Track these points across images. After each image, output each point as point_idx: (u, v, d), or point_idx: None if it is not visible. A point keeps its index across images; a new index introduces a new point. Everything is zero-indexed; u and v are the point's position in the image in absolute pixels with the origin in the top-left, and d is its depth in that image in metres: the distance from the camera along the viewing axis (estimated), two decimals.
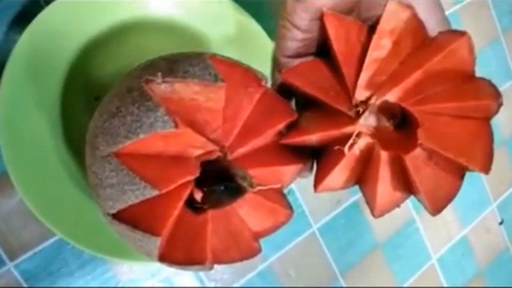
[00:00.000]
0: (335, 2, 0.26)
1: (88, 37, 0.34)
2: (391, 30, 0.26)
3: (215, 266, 0.28)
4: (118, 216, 0.25)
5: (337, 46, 0.27)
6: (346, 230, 0.45)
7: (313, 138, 0.29)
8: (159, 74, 0.25)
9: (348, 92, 0.28)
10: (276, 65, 0.31)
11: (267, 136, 0.29)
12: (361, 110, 0.27)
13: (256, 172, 0.29)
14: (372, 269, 0.47)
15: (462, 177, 0.28)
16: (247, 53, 0.36)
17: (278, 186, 0.29)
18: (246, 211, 0.30)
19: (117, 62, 0.36)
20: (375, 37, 0.26)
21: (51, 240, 0.34)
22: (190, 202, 0.28)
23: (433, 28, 0.27)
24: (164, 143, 0.25)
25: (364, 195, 0.30)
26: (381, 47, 0.27)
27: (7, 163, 0.30)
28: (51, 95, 0.32)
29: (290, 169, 0.31)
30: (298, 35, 0.28)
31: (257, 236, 0.31)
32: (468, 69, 0.27)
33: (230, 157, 0.28)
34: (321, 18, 0.27)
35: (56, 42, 0.32)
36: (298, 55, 0.29)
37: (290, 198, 0.38)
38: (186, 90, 0.25)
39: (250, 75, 0.27)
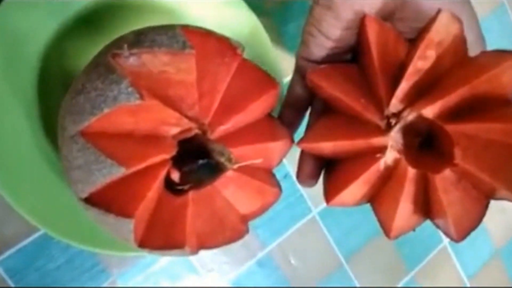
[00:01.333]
0: (377, 6, 0.25)
1: (62, 21, 0.32)
2: (438, 42, 0.25)
3: (214, 255, 0.26)
4: (90, 200, 0.24)
5: (376, 52, 0.25)
6: (349, 213, 0.43)
7: (330, 145, 0.27)
8: (125, 46, 0.23)
9: (380, 102, 0.26)
10: (298, 68, 0.29)
11: (250, 111, 0.27)
12: (393, 122, 0.26)
13: (241, 151, 0.27)
14: (378, 253, 0.45)
15: (487, 205, 0.26)
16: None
17: (258, 161, 0.27)
18: (232, 192, 0.28)
19: (97, 47, 0.34)
20: (422, 46, 0.24)
21: (36, 235, 0.33)
22: (171, 185, 0.26)
23: (469, 44, 0.26)
24: (133, 119, 0.24)
25: (378, 214, 0.29)
26: (426, 57, 0.25)
27: None
28: (26, 84, 0.31)
29: (277, 145, 0.29)
30: (326, 43, 0.27)
31: (245, 218, 0.29)
32: (509, 93, 0.25)
33: (211, 136, 0.26)
34: (361, 22, 0.25)
35: (27, 26, 0.30)
36: (323, 62, 0.28)
37: (287, 183, 0.37)
38: (154, 61, 0.24)
39: (224, 43, 0.26)
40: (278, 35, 0.38)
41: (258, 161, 0.26)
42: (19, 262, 0.33)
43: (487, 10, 0.50)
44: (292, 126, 0.31)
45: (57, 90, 0.32)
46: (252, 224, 0.30)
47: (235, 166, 0.25)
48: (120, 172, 0.22)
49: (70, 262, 0.34)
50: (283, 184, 0.30)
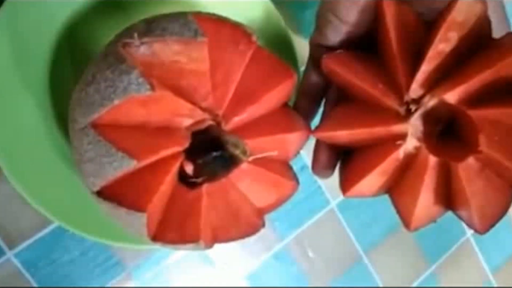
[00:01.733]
0: None
1: (72, 11, 0.31)
2: (461, 23, 0.23)
3: (230, 247, 0.25)
4: (102, 193, 0.23)
5: (394, 35, 0.24)
6: (368, 205, 0.42)
7: (346, 134, 0.26)
8: (135, 34, 0.22)
9: (399, 87, 0.25)
10: (312, 55, 0.28)
11: (265, 102, 0.26)
12: (413, 108, 0.25)
13: (256, 142, 0.26)
14: (398, 246, 0.44)
15: None
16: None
17: (274, 153, 0.26)
18: (247, 185, 0.27)
19: (109, 36, 0.33)
20: (443, 27, 0.23)
21: (51, 227, 0.33)
22: (185, 178, 0.26)
23: (493, 25, 0.24)
24: (145, 111, 0.23)
25: (397, 205, 0.28)
26: (447, 39, 0.23)
27: None
28: (38, 74, 0.30)
29: (293, 137, 0.28)
30: (342, 28, 0.26)
31: (261, 211, 0.28)
32: None
33: (225, 127, 0.25)
34: (378, 4, 0.24)
35: (39, 16, 0.30)
36: (339, 48, 0.26)
37: (304, 175, 0.36)
38: (166, 50, 0.23)
39: (239, 30, 0.25)
40: (295, 23, 0.37)
41: (273, 154, 0.26)
42: (34, 254, 0.32)
43: None
44: (308, 116, 0.30)
45: (69, 81, 0.32)
46: (269, 216, 0.29)
47: (250, 159, 0.24)
48: (131, 165, 0.21)
49: (85, 254, 0.34)
50: (300, 176, 0.29)
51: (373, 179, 0.27)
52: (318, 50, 0.27)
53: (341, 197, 0.41)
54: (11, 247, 0.32)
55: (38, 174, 0.29)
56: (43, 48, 0.31)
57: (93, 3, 0.32)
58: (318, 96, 0.29)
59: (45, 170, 0.30)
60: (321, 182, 0.40)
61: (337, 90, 0.28)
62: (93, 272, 0.34)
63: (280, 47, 0.34)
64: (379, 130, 0.25)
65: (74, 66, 0.32)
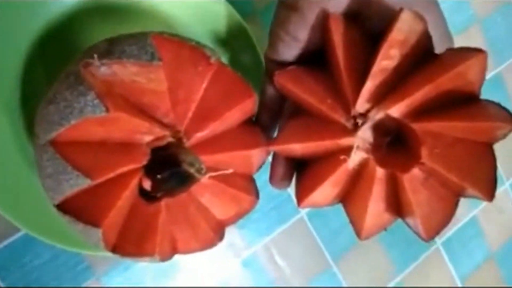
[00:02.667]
0: (343, 6, 0.25)
1: (44, 23, 0.32)
2: (402, 41, 0.24)
3: (199, 254, 0.26)
4: (61, 207, 0.24)
5: (341, 52, 0.25)
6: (338, 213, 0.43)
7: (300, 147, 0.27)
8: (95, 56, 0.23)
9: (346, 102, 0.25)
10: (267, 70, 0.29)
11: (226, 119, 0.27)
12: (360, 122, 0.26)
13: (217, 158, 0.27)
14: (367, 255, 0.45)
15: (457, 203, 0.26)
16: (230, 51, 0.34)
17: (229, 171, 0.27)
18: (208, 199, 0.28)
19: (85, 45, 0.34)
20: (385, 46, 0.24)
21: (22, 232, 0.34)
22: (145, 192, 0.27)
23: (435, 42, 0.25)
24: (103, 129, 0.24)
25: (349, 214, 0.29)
26: (390, 57, 0.24)
27: None
28: (9, 86, 0.31)
29: (255, 152, 0.29)
30: (293, 44, 0.26)
31: (221, 224, 0.29)
32: (475, 90, 0.25)
33: (187, 143, 0.26)
34: (325, 21, 0.25)
35: (7, 28, 0.30)
36: (291, 63, 0.27)
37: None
38: (124, 71, 0.24)
39: (198, 52, 0.25)
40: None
41: (228, 172, 0.26)
42: (4, 258, 0.33)
43: (491, 9, 0.49)
44: (269, 129, 0.30)
45: (42, 93, 0.33)
46: (238, 224, 0.30)
47: (205, 177, 0.25)
48: (85, 183, 0.22)
49: (55, 259, 0.34)
50: (270, 186, 0.30)
51: (326, 190, 0.28)
52: (272, 65, 0.28)
53: None
54: None
55: (5, 182, 0.30)
56: (13, 58, 0.31)
57: (65, 17, 0.33)
58: (277, 109, 0.30)
59: (13, 179, 0.31)
60: (290, 191, 0.41)
61: (292, 104, 0.29)
62: (64, 277, 0.35)
63: (248, 59, 0.35)
64: (328, 143, 0.26)
65: (48, 77, 0.33)
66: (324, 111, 0.26)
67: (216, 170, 0.27)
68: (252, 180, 0.30)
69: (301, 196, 0.28)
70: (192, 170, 0.25)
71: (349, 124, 0.26)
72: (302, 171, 0.29)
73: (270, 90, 0.29)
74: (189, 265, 0.38)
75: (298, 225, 0.42)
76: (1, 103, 0.31)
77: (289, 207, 0.41)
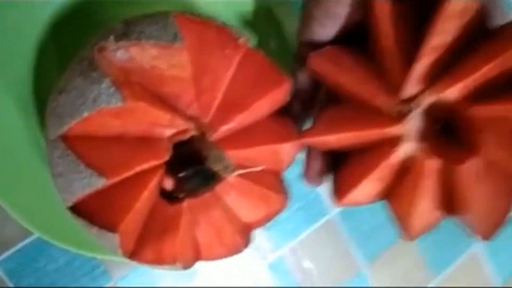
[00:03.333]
0: None
1: (57, 10, 0.30)
2: (457, 14, 0.21)
3: None
4: (75, 209, 0.22)
5: (387, 27, 0.22)
6: (370, 214, 0.40)
7: (338, 138, 0.24)
8: (111, 37, 0.21)
9: (393, 85, 0.22)
10: (299, 54, 0.26)
11: (255, 109, 0.25)
12: (408, 108, 0.22)
13: (245, 153, 0.24)
14: (401, 258, 0.42)
15: None
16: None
17: (258, 168, 0.24)
18: (234, 199, 0.25)
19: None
20: (440, 18, 0.20)
21: (35, 235, 0.31)
22: (166, 192, 0.24)
23: (492, 16, 0.22)
24: (120, 122, 0.21)
25: (395, 212, 0.26)
26: (444, 31, 0.21)
27: None
28: (21, 80, 0.29)
29: (286, 147, 0.26)
30: (330, 23, 0.23)
31: (248, 227, 0.26)
32: None
33: (211, 137, 0.24)
34: None
35: (20, 17, 0.28)
36: (326, 45, 0.24)
37: (302, 182, 0.34)
38: (143, 55, 0.21)
39: (225, 33, 0.23)
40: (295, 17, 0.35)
41: (257, 169, 0.24)
42: (18, 263, 0.31)
43: None
44: (301, 121, 0.28)
45: (55, 81, 0.30)
46: (264, 225, 0.27)
47: (233, 175, 0.22)
48: (100, 183, 0.20)
49: (70, 263, 0.32)
50: (297, 184, 0.27)
51: (368, 186, 0.25)
52: (304, 48, 0.25)
53: None
54: None
55: (16, 181, 0.28)
56: (26, 49, 0.29)
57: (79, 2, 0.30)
58: (309, 98, 0.27)
59: (27, 179, 0.28)
60: (320, 189, 0.38)
61: (327, 91, 0.26)
62: (80, 282, 0.33)
63: (277, 42, 0.32)
64: (371, 134, 0.23)
65: (62, 66, 0.30)
66: (366, 97, 0.23)
67: (243, 167, 0.24)
68: (281, 178, 0.27)
69: (340, 193, 0.25)
70: (218, 168, 0.22)
71: (395, 111, 0.23)
72: (339, 166, 0.26)
73: (302, 77, 0.27)
74: (211, 268, 0.36)
75: (327, 226, 0.39)
76: (13, 96, 0.28)
77: (318, 207, 0.38)
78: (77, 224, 0.23)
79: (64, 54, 0.31)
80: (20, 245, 0.31)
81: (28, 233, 0.31)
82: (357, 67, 0.24)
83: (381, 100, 0.23)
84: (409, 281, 0.42)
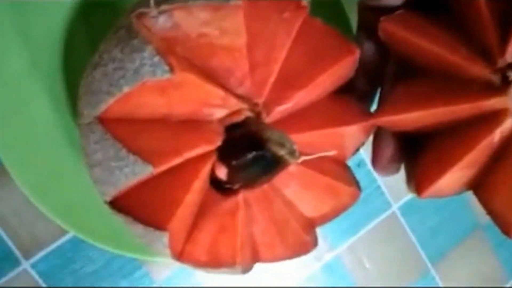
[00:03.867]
0: None
1: None
2: None
3: None
4: (115, 204, 0.18)
5: None
6: (436, 209, 0.36)
7: (418, 117, 0.20)
8: (152, 1, 0.17)
9: (489, 51, 0.18)
10: (363, 21, 0.23)
11: (317, 85, 0.21)
12: (511, 76, 0.18)
13: (304, 138, 0.21)
14: (472, 255, 0.37)
15: None
16: None
17: (332, 153, 0.20)
18: (295, 191, 0.22)
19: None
20: None
21: (71, 234, 0.29)
22: (217, 183, 0.21)
23: None
24: (164, 100, 0.18)
25: (489, 205, 0.21)
26: None
27: (0, 151, 0.24)
28: (49, 54, 0.26)
29: (352, 130, 0.22)
30: None
31: (312, 223, 0.23)
32: None
33: (266, 118, 0.20)
34: None
35: None
36: (396, 9, 0.21)
37: (360, 172, 0.30)
38: (190, 20, 0.17)
39: None
40: None
41: (331, 153, 0.20)
42: (53, 264, 0.29)
43: None
44: (367, 98, 0.24)
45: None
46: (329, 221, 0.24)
47: (300, 161, 0.19)
48: (146, 171, 0.17)
49: (109, 265, 0.30)
50: (355, 174, 0.23)
51: (457, 174, 0.20)
52: (370, 14, 0.22)
53: (404, 198, 0.35)
54: (27, 257, 0.28)
55: (47, 174, 0.25)
56: (54, 29, 0.26)
57: None
58: (376, 72, 0.23)
59: (60, 174, 0.26)
60: (380, 181, 0.34)
61: (399, 62, 0.23)
62: (120, 284, 0.30)
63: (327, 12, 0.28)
64: (465, 108, 0.19)
65: (92, 45, 0.28)
66: (456, 64, 0.19)
67: (303, 154, 0.21)
68: (347, 167, 0.23)
69: (422, 183, 0.21)
70: (282, 152, 0.18)
71: (496, 79, 0.18)
72: (418, 150, 0.22)
73: (368, 48, 0.23)
74: (262, 269, 0.32)
75: (389, 222, 0.35)
76: (43, 83, 0.25)
77: (379, 200, 0.34)
78: (117, 221, 0.20)
79: (95, 37, 0.28)
80: (54, 245, 0.29)
81: (62, 232, 0.29)
82: (441, 32, 0.20)
83: (476, 68, 0.19)
84: (483, 282, 0.37)
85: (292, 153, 0.18)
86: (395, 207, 0.35)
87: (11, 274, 0.28)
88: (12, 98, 0.25)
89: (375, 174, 0.34)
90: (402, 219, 0.35)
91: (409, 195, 0.35)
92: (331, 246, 0.34)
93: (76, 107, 0.26)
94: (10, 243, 0.28)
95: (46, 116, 0.26)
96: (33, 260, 0.29)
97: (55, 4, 0.26)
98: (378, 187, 0.34)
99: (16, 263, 0.28)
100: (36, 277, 0.29)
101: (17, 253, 0.28)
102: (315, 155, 0.19)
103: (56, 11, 0.26)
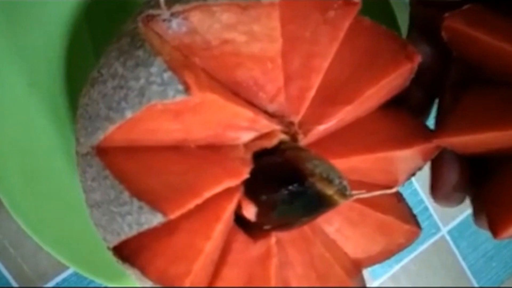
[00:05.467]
0: None
1: None
2: None
3: None
4: (119, 251, 0.15)
5: None
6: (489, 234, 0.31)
7: (492, 137, 0.17)
8: (162, 0, 0.14)
9: None
10: (418, 18, 0.19)
11: (367, 100, 0.17)
12: None
13: (347, 163, 0.17)
14: None
15: None
16: None
17: (393, 190, 0.16)
18: (339, 230, 0.18)
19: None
20: None
21: (72, 269, 0.26)
22: (241, 220, 0.17)
23: None
24: (180, 125, 0.14)
25: None
26: None
27: None
28: (49, 66, 0.22)
29: (407, 154, 0.18)
30: None
31: (358, 266, 0.19)
32: None
33: (303, 141, 0.17)
34: None
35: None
36: (457, 5, 0.17)
37: (406, 190, 0.26)
38: (211, 23, 0.14)
39: None
40: None
41: (392, 191, 0.16)
42: None
43: None
44: (423, 113, 0.20)
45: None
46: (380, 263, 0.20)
47: (351, 199, 0.15)
48: (154, 221, 0.13)
49: None
50: None
51: None
52: (426, 10, 0.18)
53: (454, 222, 0.31)
54: None
55: (50, 210, 0.22)
56: (53, 44, 0.23)
57: None
58: (434, 81, 0.20)
59: (59, 205, 0.22)
60: (428, 201, 0.30)
61: (463, 69, 0.19)
62: None
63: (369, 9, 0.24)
64: None
65: (97, 56, 0.24)
66: None
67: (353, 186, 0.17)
68: (402, 198, 0.19)
69: (501, 222, 0.17)
70: (330, 192, 0.14)
71: None
72: (489, 178, 0.18)
73: (424, 52, 0.19)
74: None
75: (437, 248, 0.31)
76: (43, 97, 0.22)
77: (426, 223, 0.30)
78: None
79: (99, 43, 0.24)
80: (58, 278, 0.26)
81: (63, 268, 0.26)
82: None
83: None
84: None
85: (342, 191, 0.14)
86: (444, 231, 0.31)
87: None
88: (9, 121, 0.22)
89: (422, 194, 0.30)
90: (452, 244, 0.31)
91: (460, 217, 0.31)
92: (372, 276, 0.30)
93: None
94: (8, 276, 0.25)
95: (46, 140, 0.23)
96: None
97: (56, 14, 0.22)
98: (426, 208, 0.30)
99: None
100: None
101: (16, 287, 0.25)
102: (372, 193, 0.15)
103: (56, 20, 0.23)
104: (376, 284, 0.30)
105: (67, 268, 0.26)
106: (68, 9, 0.22)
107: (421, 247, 0.30)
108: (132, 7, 0.23)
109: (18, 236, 0.25)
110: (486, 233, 0.32)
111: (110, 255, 0.16)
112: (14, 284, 0.25)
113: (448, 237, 0.31)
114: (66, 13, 0.22)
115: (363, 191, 0.15)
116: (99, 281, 0.22)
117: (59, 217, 0.22)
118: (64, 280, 0.26)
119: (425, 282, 0.31)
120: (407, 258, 0.30)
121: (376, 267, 0.30)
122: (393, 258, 0.30)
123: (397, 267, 0.30)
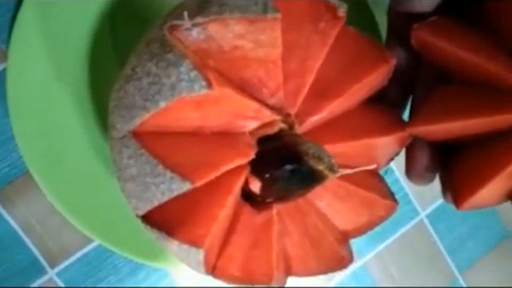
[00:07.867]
0: None
1: None
2: None
3: None
4: (148, 219, 0.18)
5: None
6: (465, 217, 0.35)
7: (458, 126, 0.20)
8: (186, 14, 0.17)
9: None
10: (394, 28, 0.22)
11: (351, 95, 0.20)
12: None
13: (336, 149, 0.20)
14: (501, 264, 0.36)
15: None
16: None
17: (372, 166, 0.19)
18: (329, 204, 0.21)
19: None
20: None
21: (96, 243, 0.29)
22: (248, 196, 0.20)
23: None
24: (199, 114, 0.17)
25: None
26: None
27: (27, 159, 0.24)
28: (74, 63, 0.26)
29: (386, 141, 0.22)
30: None
31: (346, 237, 0.22)
32: None
33: (299, 129, 0.20)
34: None
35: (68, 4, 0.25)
36: (429, 15, 0.20)
37: (388, 179, 0.29)
38: (225, 33, 0.17)
39: (320, 3, 0.18)
40: None
41: (371, 167, 0.19)
42: (78, 273, 0.29)
43: None
44: (399, 107, 0.23)
45: (113, 76, 0.27)
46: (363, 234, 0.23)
47: (338, 175, 0.18)
48: (184, 188, 0.16)
49: (134, 274, 0.29)
50: None
51: (499, 185, 0.20)
52: (401, 20, 0.21)
53: (432, 206, 0.34)
54: (52, 265, 0.28)
55: (78, 188, 0.25)
56: (79, 33, 0.26)
57: None
58: (407, 80, 0.23)
59: (87, 183, 0.26)
60: (408, 188, 0.33)
61: (431, 71, 0.22)
62: None
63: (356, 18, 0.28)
64: (506, 119, 0.18)
65: (118, 55, 0.27)
66: (496, 72, 0.18)
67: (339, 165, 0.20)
68: (382, 178, 0.23)
69: (462, 194, 0.20)
70: (320, 167, 0.18)
71: None
72: (454, 159, 0.21)
73: (399, 55, 0.22)
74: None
75: (417, 230, 0.34)
76: (69, 91, 0.25)
77: (406, 208, 0.33)
78: (144, 232, 0.19)
79: (121, 45, 0.27)
80: (79, 253, 0.29)
81: (88, 240, 0.29)
82: (477, 39, 0.19)
83: None
84: None
85: (331, 167, 0.18)
86: (423, 214, 0.34)
87: (37, 283, 0.28)
88: (38, 108, 0.25)
89: (402, 182, 0.33)
90: (430, 227, 0.34)
91: (437, 203, 0.34)
92: (358, 255, 0.33)
93: (102, 118, 0.26)
94: (36, 251, 0.28)
95: (71, 124, 0.26)
96: (58, 268, 0.28)
97: (81, 15, 0.26)
98: (406, 194, 0.33)
99: (42, 271, 0.28)
100: (62, 285, 0.28)
101: (43, 261, 0.28)
102: (355, 169, 0.18)
103: (82, 21, 0.26)
104: (361, 261, 0.33)
105: (88, 243, 0.29)
106: (92, 10, 0.26)
107: (402, 229, 0.34)
108: (149, 9, 0.27)
109: (44, 215, 0.28)
110: (461, 217, 0.35)
111: (132, 221, 0.19)
112: (40, 258, 0.28)
113: (426, 220, 0.34)
114: (91, 13, 0.25)
115: (348, 169, 0.18)
116: (121, 253, 0.25)
117: (85, 194, 0.25)
118: (84, 255, 0.29)
119: (406, 260, 0.34)
120: (390, 238, 0.33)
121: (362, 246, 0.33)
122: (377, 238, 0.33)
123: (381, 247, 0.33)
